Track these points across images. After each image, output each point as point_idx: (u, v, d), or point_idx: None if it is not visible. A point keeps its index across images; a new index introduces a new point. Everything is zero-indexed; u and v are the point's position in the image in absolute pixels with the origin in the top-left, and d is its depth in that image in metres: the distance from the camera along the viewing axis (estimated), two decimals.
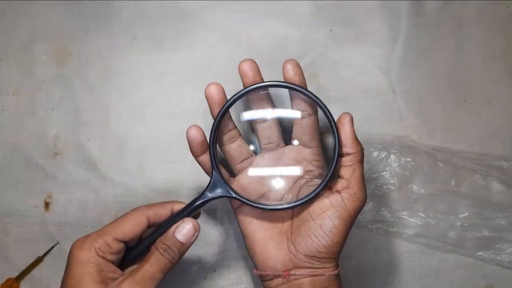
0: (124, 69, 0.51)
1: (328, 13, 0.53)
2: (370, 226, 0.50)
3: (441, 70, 0.53)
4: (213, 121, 0.38)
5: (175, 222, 0.38)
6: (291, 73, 0.38)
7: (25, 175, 0.49)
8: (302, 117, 0.40)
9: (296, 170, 0.40)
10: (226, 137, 0.40)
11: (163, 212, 0.39)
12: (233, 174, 0.41)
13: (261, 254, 0.39)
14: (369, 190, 0.50)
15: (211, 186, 0.38)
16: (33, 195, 0.49)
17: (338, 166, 0.39)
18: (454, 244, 0.50)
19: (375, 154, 0.50)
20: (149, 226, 0.38)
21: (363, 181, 0.39)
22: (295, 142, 0.41)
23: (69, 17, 0.52)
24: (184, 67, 0.51)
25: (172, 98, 0.51)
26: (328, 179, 0.38)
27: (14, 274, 0.48)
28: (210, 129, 0.38)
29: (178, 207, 0.39)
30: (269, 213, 0.40)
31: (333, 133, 0.37)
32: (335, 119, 0.38)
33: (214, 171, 0.39)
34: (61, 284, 0.37)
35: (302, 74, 0.39)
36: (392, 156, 0.50)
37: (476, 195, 0.50)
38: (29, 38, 0.51)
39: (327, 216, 0.38)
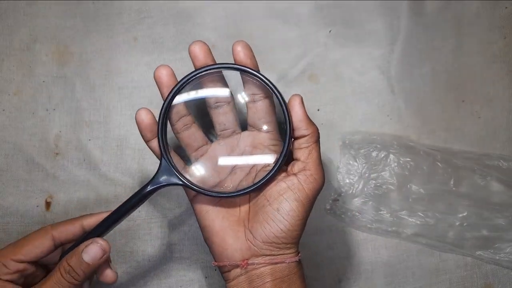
0: (124, 69, 0.52)
1: (328, 13, 0.53)
2: (369, 226, 0.50)
3: (441, 70, 0.53)
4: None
5: (108, 226, 0.37)
6: (242, 56, 0.37)
7: (26, 175, 0.49)
8: (255, 101, 0.38)
9: (252, 157, 0.40)
10: (179, 124, 0.39)
11: (72, 230, 0.39)
12: (187, 163, 0.40)
13: (219, 245, 0.38)
14: (368, 190, 0.50)
15: (159, 174, 0.37)
16: (34, 195, 0.49)
17: (293, 148, 0.38)
18: (453, 244, 0.50)
19: (374, 154, 0.50)
20: (57, 246, 0.38)
21: (320, 162, 0.38)
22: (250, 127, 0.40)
23: (69, 17, 0.52)
24: (184, 67, 0.51)
25: None
26: (282, 161, 0.37)
27: None
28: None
29: (88, 222, 0.39)
30: (225, 201, 0.39)
31: (284, 115, 0.37)
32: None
33: (162, 158, 0.37)
34: None
35: (253, 56, 0.38)
36: (392, 156, 0.50)
37: (475, 195, 0.50)
38: (30, 38, 0.51)
39: (284, 199, 0.36)
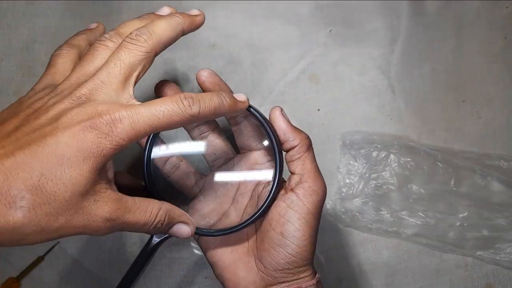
0: None
1: (328, 13, 0.53)
2: (369, 226, 0.50)
3: (441, 70, 0.53)
4: None
5: (132, 279, 0.35)
6: (208, 85, 0.36)
7: None
8: (238, 123, 0.37)
9: (249, 179, 0.38)
10: (167, 168, 0.38)
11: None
12: (186, 202, 0.39)
13: (231, 280, 0.36)
14: (368, 190, 0.50)
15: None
16: None
17: (286, 162, 0.36)
18: (453, 244, 0.50)
19: (375, 154, 0.50)
20: None
21: (317, 171, 0.35)
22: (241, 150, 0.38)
23: (69, 17, 0.52)
24: (184, 67, 0.51)
25: None
26: (278, 180, 0.35)
27: (15, 274, 0.48)
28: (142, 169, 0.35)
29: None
30: (233, 235, 0.36)
31: (267, 132, 0.35)
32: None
33: None
34: None
35: (221, 80, 0.36)
36: (392, 156, 0.50)
37: (476, 195, 0.50)
38: (30, 38, 0.51)
39: (286, 221, 0.34)
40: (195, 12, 0.34)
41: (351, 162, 0.51)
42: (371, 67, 0.52)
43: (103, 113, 0.27)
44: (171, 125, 0.29)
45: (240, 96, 0.33)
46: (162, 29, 0.32)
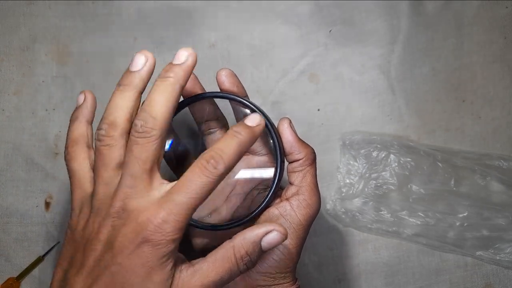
0: (124, 69, 0.51)
1: (328, 13, 0.53)
2: (369, 226, 0.50)
3: (441, 70, 0.53)
4: None
5: None
6: (227, 85, 0.36)
7: (25, 175, 0.49)
8: None
9: (246, 182, 0.38)
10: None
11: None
12: None
13: None
14: (368, 190, 0.50)
15: None
16: (33, 195, 0.49)
17: (287, 172, 0.36)
18: (453, 244, 0.50)
19: (374, 154, 0.50)
20: None
21: (316, 186, 0.36)
22: None
23: (69, 17, 0.52)
24: None
25: None
26: (274, 189, 0.35)
27: (15, 274, 0.48)
28: None
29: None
30: (220, 232, 0.37)
31: (273, 141, 0.35)
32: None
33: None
34: None
35: (239, 83, 0.37)
36: (392, 156, 0.50)
37: (476, 195, 0.50)
38: (30, 38, 0.51)
39: None
40: (182, 56, 0.33)
41: (351, 162, 0.51)
42: (371, 67, 0.52)
43: (146, 224, 0.28)
44: (208, 195, 0.30)
45: (253, 120, 0.32)
46: (161, 103, 0.31)
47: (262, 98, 0.51)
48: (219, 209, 0.38)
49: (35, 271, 0.48)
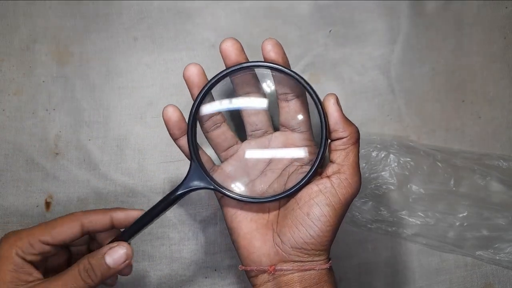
0: (124, 69, 0.52)
1: (328, 13, 0.53)
2: (369, 226, 0.50)
3: (441, 70, 0.53)
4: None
5: (138, 230, 0.36)
6: (273, 55, 0.36)
7: (26, 175, 0.49)
8: (288, 100, 0.37)
9: (284, 157, 0.38)
10: (209, 123, 0.38)
11: (102, 221, 0.37)
12: (219, 162, 0.40)
13: (246, 248, 0.36)
14: (368, 190, 0.50)
15: (190, 177, 0.36)
16: (34, 195, 0.49)
17: (329, 150, 0.36)
18: (453, 244, 0.50)
19: (374, 154, 0.50)
20: (84, 233, 0.37)
21: (357, 166, 0.35)
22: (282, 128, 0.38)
23: (69, 17, 0.52)
24: (184, 67, 0.51)
25: (172, 98, 0.51)
26: (316, 167, 0.35)
27: None
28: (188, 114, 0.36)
29: (118, 216, 0.37)
30: (255, 205, 0.37)
31: (320, 117, 0.34)
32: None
33: (192, 161, 0.36)
34: None
35: (284, 54, 0.36)
36: (392, 156, 0.50)
37: (475, 195, 0.50)
38: (30, 38, 0.51)
39: (315, 203, 0.34)
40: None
41: None
42: (371, 67, 0.52)
43: None
44: None
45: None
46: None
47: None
48: (254, 182, 0.38)
49: None
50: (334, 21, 0.53)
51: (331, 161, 0.36)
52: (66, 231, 0.36)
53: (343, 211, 0.35)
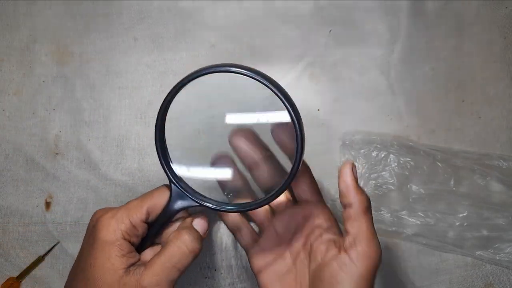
0: (124, 69, 0.52)
1: (328, 13, 0.53)
2: None
3: (441, 70, 0.53)
4: None
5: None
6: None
7: (25, 175, 0.49)
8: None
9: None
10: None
11: (159, 203, 0.37)
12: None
13: None
14: (368, 190, 0.50)
15: (173, 199, 0.36)
16: (33, 194, 0.49)
17: (342, 219, 0.36)
18: (453, 244, 0.50)
19: (374, 154, 0.50)
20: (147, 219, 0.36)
21: (373, 235, 0.35)
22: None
23: (69, 17, 0.52)
24: (184, 67, 0.52)
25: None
26: (289, 182, 0.34)
27: (15, 274, 0.48)
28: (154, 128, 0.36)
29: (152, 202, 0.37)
30: (286, 276, 0.38)
31: (295, 130, 0.33)
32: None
33: (172, 185, 0.36)
34: (78, 260, 0.35)
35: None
36: (392, 156, 0.50)
37: (475, 195, 0.50)
38: (30, 38, 0.51)
39: (337, 283, 0.34)
40: None
41: None
42: (371, 67, 0.52)
43: None
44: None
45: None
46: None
47: None
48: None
49: (35, 271, 0.48)
50: (334, 21, 0.53)
51: (346, 231, 0.36)
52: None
53: (368, 285, 0.34)
